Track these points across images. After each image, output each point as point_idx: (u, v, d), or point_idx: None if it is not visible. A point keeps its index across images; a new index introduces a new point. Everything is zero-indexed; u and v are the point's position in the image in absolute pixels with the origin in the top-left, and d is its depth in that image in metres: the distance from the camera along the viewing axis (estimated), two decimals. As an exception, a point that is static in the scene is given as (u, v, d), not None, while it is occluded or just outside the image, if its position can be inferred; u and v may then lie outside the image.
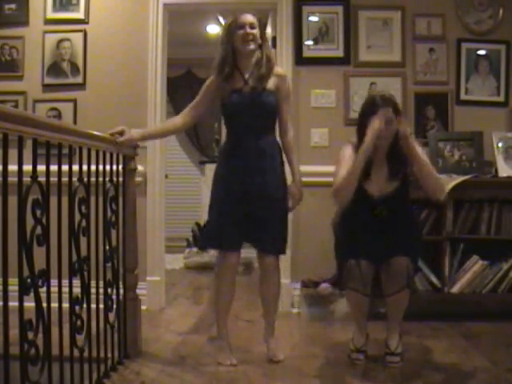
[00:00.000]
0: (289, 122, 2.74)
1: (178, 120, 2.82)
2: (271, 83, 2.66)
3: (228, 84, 2.65)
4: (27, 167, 1.76)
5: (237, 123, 2.68)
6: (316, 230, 3.81)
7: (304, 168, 3.82)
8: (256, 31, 2.64)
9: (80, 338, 2.16)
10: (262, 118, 2.66)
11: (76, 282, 2.13)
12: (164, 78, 3.95)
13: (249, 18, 2.65)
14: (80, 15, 3.91)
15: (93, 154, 2.35)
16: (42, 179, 1.85)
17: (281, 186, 2.70)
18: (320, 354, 2.84)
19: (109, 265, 2.54)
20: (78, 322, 2.14)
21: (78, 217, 2.15)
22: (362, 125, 2.62)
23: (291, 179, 2.74)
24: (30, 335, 1.74)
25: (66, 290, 2.01)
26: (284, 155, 2.74)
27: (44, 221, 1.84)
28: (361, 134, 2.59)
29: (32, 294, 1.77)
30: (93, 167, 2.32)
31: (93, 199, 2.31)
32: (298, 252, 3.81)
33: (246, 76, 2.66)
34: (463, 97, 3.83)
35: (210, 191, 2.73)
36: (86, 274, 2.21)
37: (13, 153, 1.68)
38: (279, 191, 2.68)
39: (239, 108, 2.64)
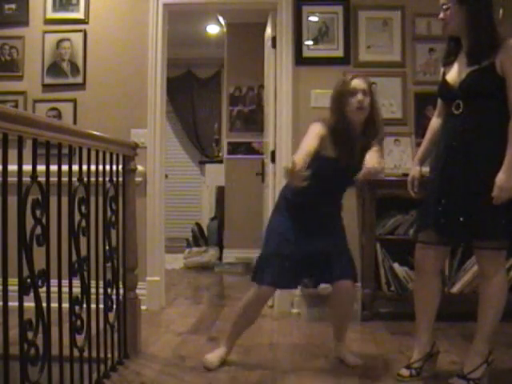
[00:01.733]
0: None
1: None
2: None
3: None
4: (27, 167, 1.76)
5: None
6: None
7: (304, 168, 3.85)
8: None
9: (80, 338, 2.16)
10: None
11: (76, 282, 2.13)
12: (164, 78, 3.95)
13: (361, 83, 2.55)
14: (80, 15, 3.91)
15: (93, 154, 2.35)
16: (42, 179, 1.85)
17: None
18: (320, 354, 2.84)
19: (109, 265, 2.54)
20: (78, 322, 2.14)
21: (77, 217, 2.15)
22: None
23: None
24: (30, 335, 1.74)
25: (65, 289, 2.01)
26: None
27: (44, 221, 1.84)
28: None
29: (32, 294, 1.77)
30: (93, 167, 2.31)
31: (93, 199, 2.31)
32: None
33: None
34: (463, 97, 3.82)
35: None
36: (85, 273, 2.21)
37: (13, 153, 1.68)
38: None
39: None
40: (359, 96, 2.49)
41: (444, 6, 2.38)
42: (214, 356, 2.65)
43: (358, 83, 2.52)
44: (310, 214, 2.62)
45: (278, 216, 2.67)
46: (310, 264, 2.61)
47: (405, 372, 2.47)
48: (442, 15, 2.41)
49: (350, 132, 2.53)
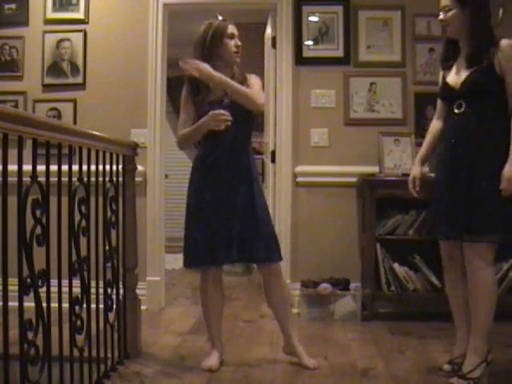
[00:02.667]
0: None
1: None
2: None
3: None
4: (27, 167, 1.76)
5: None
6: (316, 230, 3.81)
7: (304, 168, 3.86)
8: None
9: (80, 338, 2.16)
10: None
11: (76, 282, 2.13)
12: (164, 78, 3.95)
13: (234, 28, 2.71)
14: (80, 15, 3.91)
15: (93, 153, 2.35)
16: (42, 179, 1.85)
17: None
18: (320, 353, 2.84)
19: (109, 265, 2.54)
20: (78, 322, 2.14)
21: (77, 217, 2.15)
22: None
23: None
24: (30, 335, 1.74)
25: (65, 289, 2.01)
26: None
27: (44, 221, 1.84)
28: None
29: (32, 294, 1.77)
30: (93, 167, 2.31)
31: (93, 199, 2.31)
32: (297, 252, 3.81)
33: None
34: (463, 97, 3.82)
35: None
36: (85, 273, 2.21)
37: (13, 153, 1.68)
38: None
39: None
40: (237, 41, 2.69)
41: (446, 8, 2.39)
42: (211, 359, 2.62)
43: (234, 29, 2.72)
44: (216, 176, 2.60)
45: (189, 190, 2.75)
46: (228, 238, 2.54)
47: (447, 367, 2.51)
48: (442, 16, 2.42)
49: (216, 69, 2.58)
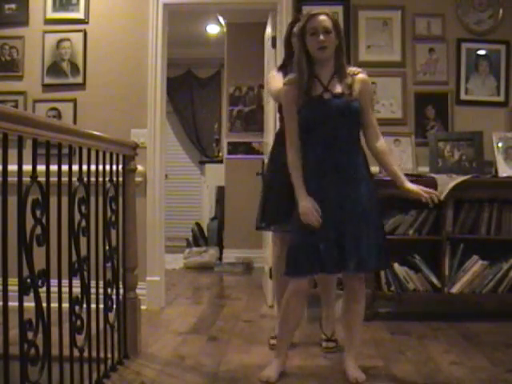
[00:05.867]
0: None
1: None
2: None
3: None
4: (27, 167, 1.76)
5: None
6: (316, 230, 3.80)
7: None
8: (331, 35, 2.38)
9: (80, 338, 2.16)
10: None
11: (76, 282, 2.13)
12: (164, 78, 3.95)
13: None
14: (80, 15, 3.91)
15: (93, 153, 2.35)
16: (42, 179, 1.85)
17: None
18: (320, 353, 2.84)
19: (109, 265, 2.54)
20: (78, 322, 2.14)
21: (77, 217, 2.15)
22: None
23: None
24: (30, 335, 1.74)
25: (65, 290, 2.01)
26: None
27: (44, 221, 1.84)
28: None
29: (32, 294, 1.77)
30: (93, 167, 2.31)
31: (93, 199, 2.31)
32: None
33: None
34: (463, 97, 3.83)
35: None
36: (85, 273, 2.21)
37: (13, 153, 1.68)
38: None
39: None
40: (321, 36, 2.34)
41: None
42: (270, 370, 2.47)
43: (319, 21, 2.36)
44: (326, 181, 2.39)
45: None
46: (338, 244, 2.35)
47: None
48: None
49: (306, 68, 2.39)
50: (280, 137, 2.77)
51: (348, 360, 2.51)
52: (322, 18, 2.37)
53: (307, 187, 2.38)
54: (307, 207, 2.32)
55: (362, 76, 2.44)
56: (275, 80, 2.86)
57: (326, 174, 2.39)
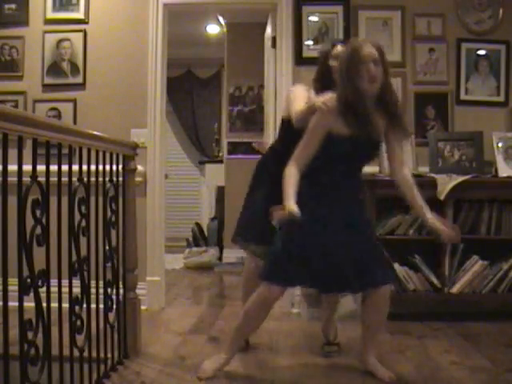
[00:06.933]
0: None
1: None
2: None
3: None
4: (27, 167, 1.76)
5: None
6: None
7: (304, 168, 3.84)
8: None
9: (80, 338, 2.16)
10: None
11: (76, 282, 2.13)
12: (164, 78, 3.95)
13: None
14: (80, 15, 3.91)
15: (93, 154, 2.35)
16: (42, 179, 1.85)
17: None
18: (320, 353, 2.84)
19: (109, 265, 2.54)
20: (78, 322, 2.14)
21: (77, 217, 2.15)
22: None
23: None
24: (30, 335, 1.74)
25: (65, 290, 2.01)
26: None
27: (44, 221, 1.84)
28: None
29: (32, 294, 1.77)
30: (93, 167, 2.31)
31: (93, 199, 2.31)
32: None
33: None
34: (463, 97, 3.83)
35: None
36: (85, 273, 2.21)
37: (13, 153, 1.68)
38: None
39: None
40: (371, 66, 2.26)
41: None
42: (210, 364, 2.49)
43: (368, 51, 2.27)
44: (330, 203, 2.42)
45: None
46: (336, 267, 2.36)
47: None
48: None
49: (365, 103, 2.32)
50: (274, 153, 2.80)
51: (371, 359, 2.54)
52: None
53: (307, 203, 2.33)
54: (293, 205, 2.22)
55: None
56: (301, 99, 2.63)
57: (329, 195, 2.42)
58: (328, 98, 2.36)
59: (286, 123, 2.75)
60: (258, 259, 2.77)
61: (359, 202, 2.54)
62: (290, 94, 2.76)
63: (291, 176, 2.34)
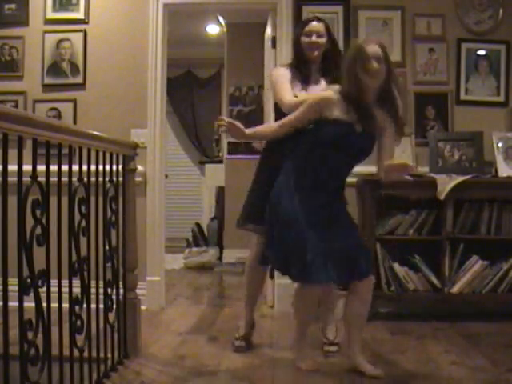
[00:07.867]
0: None
1: None
2: None
3: None
4: (27, 167, 1.76)
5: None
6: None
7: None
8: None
9: (80, 338, 2.16)
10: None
11: (76, 282, 2.13)
12: (164, 78, 3.95)
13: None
14: (80, 15, 3.91)
15: (93, 154, 2.35)
16: (42, 179, 1.85)
17: None
18: (320, 353, 2.84)
19: (109, 265, 2.54)
20: (78, 322, 2.14)
21: (77, 217, 2.15)
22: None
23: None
24: (30, 335, 1.74)
25: (65, 290, 2.01)
26: None
27: (44, 221, 1.84)
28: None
29: (32, 294, 1.77)
30: (93, 167, 2.31)
31: (93, 199, 2.31)
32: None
33: None
34: (463, 97, 3.83)
35: None
36: (85, 274, 2.21)
37: (13, 153, 1.68)
38: None
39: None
40: (373, 62, 2.37)
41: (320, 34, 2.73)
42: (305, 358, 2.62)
43: (373, 50, 2.41)
44: (318, 195, 2.50)
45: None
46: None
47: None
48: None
49: (364, 96, 2.42)
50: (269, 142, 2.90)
51: (359, 356, 2.56)
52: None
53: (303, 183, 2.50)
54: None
55: None
56: (285, 90, 2.79)
57: (317, 187, 2.50)
58: (327, 92, 2.51)
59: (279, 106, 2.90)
60: (262, 246, 2.82)
61: (343, 200, 2.66)
62: (272, 78, 2.93)
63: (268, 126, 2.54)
